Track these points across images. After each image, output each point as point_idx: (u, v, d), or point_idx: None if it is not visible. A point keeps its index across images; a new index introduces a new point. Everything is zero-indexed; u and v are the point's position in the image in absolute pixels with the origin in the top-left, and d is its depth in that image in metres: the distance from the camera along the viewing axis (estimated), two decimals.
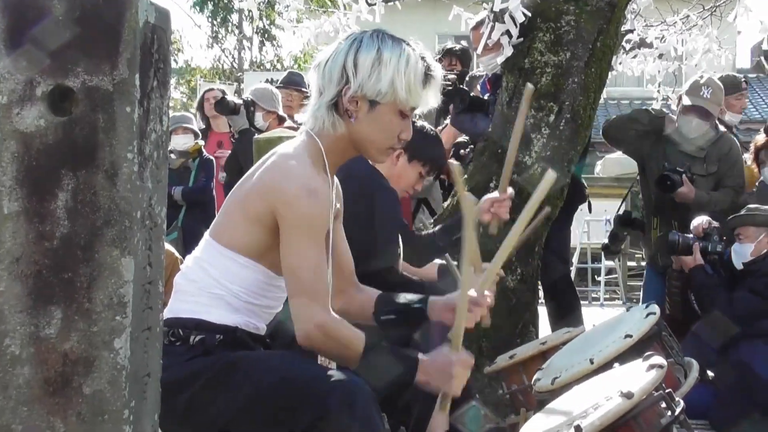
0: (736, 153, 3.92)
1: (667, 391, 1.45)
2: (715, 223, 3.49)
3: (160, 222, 1.22)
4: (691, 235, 3.42)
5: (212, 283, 1.58)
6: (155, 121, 1.20)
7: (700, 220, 3.51)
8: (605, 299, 8.38)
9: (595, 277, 8.81)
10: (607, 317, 3.06)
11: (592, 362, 2.02)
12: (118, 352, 1.13)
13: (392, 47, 1.58)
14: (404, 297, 1.87)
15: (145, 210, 1.18)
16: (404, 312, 1.83)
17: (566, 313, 3.68)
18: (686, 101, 3.78)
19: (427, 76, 1.62)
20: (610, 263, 8.40)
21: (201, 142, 5.04)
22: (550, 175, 1.83)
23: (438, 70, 1.67)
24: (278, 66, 16.42)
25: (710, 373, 3.41)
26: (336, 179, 1.76)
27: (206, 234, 1.68)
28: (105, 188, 1.14)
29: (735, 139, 4.08)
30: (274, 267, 1.60)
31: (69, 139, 1.14)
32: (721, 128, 3.96)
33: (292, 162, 1.60)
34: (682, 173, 3.60)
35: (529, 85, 2.24)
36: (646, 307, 2.40)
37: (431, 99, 1.67)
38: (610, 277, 8.77)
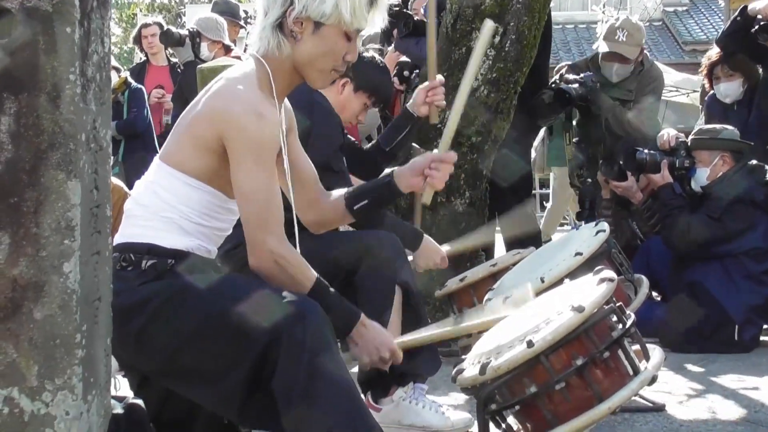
0: (658, 87, 3.93)
1: (618, 304, 1.42)
2: (681, 136, 3.41)
3: (105, 145, 1.15)
4: (657, 152, 3.35)
5: (163, 206, 1.51)
6: (96, 42, 1.12)
7: (666, 133, 3.44)
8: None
9: (544, 203, 8.67)
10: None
11: (542, 281, 1.98)
12: (68, 276, 1.07)
13: None
14: (370, 182, 1.88)
15: (90, 132, 1.11)
16: (374, 192, 1.79)
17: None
18: (603, 48, 3.73)
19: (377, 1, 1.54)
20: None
21: (125, 74, 4.84)
22: (489, 24, 1.86)
23: None
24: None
25: (655, 294, 3.41)
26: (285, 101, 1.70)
27: (156, 158, 1.61)
28: (48, 111, 1.06)
29: (660, 71, 4.08)
30: (225, 190, 1.54)
31: (9, 62, 1.05)
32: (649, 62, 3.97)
33: (239, 86, 1.53)
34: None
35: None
36: (596, 225, 2.33)
37: (377, 21, 1.60)
38: None
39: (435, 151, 1.78)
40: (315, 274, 1.52)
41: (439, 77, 2.22)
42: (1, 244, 1.06)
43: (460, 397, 2.37)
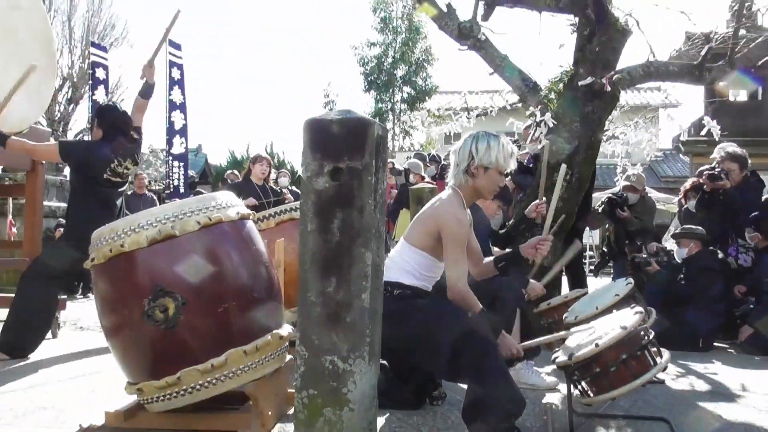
0: (652, 206, 6.70)
1: (644, 325, 2.36)
2: (661, 246, 5.91)
3: (383, 232, 2.14)
4: (645, 255, 5.58)
5: (405, 263, 2.60)
6: (380, 183, 2.10)
7: (652, 246, 5.82)
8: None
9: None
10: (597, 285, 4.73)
11: (597, 308, 3.12)
12: (363, 300, 2.02)
13: (494, 139, 2.59)
14: (507, 252, 3.14)
15: (376, 228, 2.08)
16: (510, 257, 3.03)
17: (578, 281, 5.43)
18: (623, 183, 6.40)
19: (512, 154, 2.62)
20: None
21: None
22: (563, 168, 3.51)
23: (516, 149, 2.73)
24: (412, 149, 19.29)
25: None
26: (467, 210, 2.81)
27: (402, 238, 2.71)
28: (356, 218, 2.03)
29: (652, 198, 7.07)
30: (438, 257, 2.59)
31: (339, 193, 2.03)
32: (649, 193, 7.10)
33: (448, 204, 2.67)
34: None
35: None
36: (626, 279, 3.65)
37: (512, 165, 2.68)
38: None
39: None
40: (479, 307, 2.58)
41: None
42: (333, 283, 2.04)
43: (549, 369, 3.52)
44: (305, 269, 2.06)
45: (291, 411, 2.82)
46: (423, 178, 7.45)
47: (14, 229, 8.14)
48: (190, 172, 16.49)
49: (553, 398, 3.14)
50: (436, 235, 2.62)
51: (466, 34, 5.10)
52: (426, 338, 2.49)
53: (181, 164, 15.46)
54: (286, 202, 6.38)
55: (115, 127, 4.29)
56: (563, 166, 3.08)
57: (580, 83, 4.65)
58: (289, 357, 2.83)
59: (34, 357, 4.06)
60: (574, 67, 4.88)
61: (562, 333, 2.93)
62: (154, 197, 10.67)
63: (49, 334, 4.72)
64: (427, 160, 8.93)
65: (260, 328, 2.60)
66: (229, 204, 2.66)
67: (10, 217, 7.95)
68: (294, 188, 8.39)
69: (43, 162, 4.91)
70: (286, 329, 2.75)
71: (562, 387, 3.19)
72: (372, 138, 2.04)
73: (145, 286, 2.44)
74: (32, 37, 4.60)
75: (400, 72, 19.67)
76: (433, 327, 2.48)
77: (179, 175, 15.37)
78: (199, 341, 2.46)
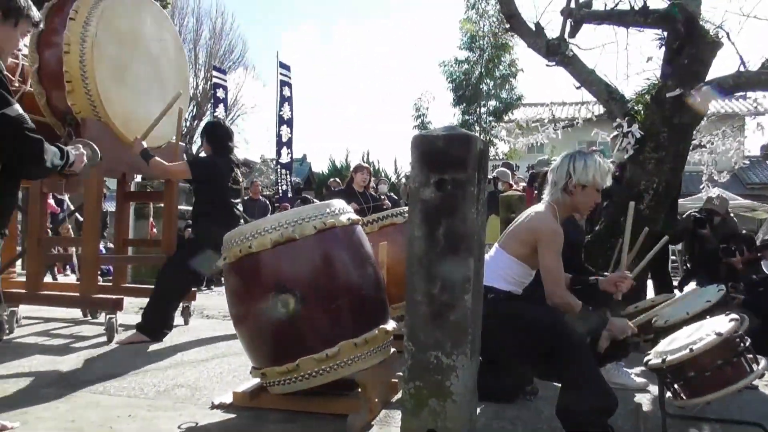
0: (733, 227, 6.39)
1: (740, 332, 2.22)
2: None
3: (483, 240, 2.13)
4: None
5: (499, 269, 2.57)
6: (482, 194, 2.09)
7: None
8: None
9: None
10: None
11: (688, 313, 2.94)
12: (466, 301, 2.03)
13: (590, 158, 2.56)
14: (586, 280, 2.93)
15: (478, 233, 2.07)
16: (588, 287, 2.88)
17: (664, 286, 5.15)
18: (707, 205, 6.20)
19: (608, 171, 2.61)
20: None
21: None
22: (631, 204, 2.92)
23: (611, 166, 2.65)
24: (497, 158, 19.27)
25: None
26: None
27: (496, 244, 2.66)
28: (460, 226, 2.04)
29: (734, 220, 6.80)
30: (531, 265, 2.56)
31: (444, 203, 2.05)
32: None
33: (543, 216, 2.63)
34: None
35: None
36: (717, 286, 3.35)
37: (609, 182, 2.64)
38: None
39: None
40: (580, 305, 2.51)
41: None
42: (438, 285, 2.05)
43: (638, 370, 3.34)
44: (412, 272, 2.09)
45: (395, 398, 2.87)
46: (511, 185, 7.30)
47: (154, 230, 8.69)
48: (296, 180, 17.05)
49: (643, 399, 3.01)
50: (532, 245, 2.58)
51: (554, 51, 4.97)
52: (521, 337, 2.46)
53: (288, 172, 16.03)
54: (385, 207, 6.47)
55: (223, 142, 4.53)
56: (631, 204, 2.90)
57: (668, 95, 4.44)
58: (392, 350, 2.87)
59: (169, 341, 4.31)
60: (662, 80, 4.65)
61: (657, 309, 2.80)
62: (267, 202, 11.07)
63: (181, 321, 5.02)
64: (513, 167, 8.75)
65: (368, 322, 2.65)
66: (342, 211, 2.74)
67: (151, 219, 8.49)
68: (392, 194, 8.47)
69: None
70: (391, 324, 2.79)
71: (652, 388, 3.05)
72: (475, 152, 2.04)
73: (269, 283, 2.55)
74: (170, 64, 4.91)
75: (485, 86, 19.44)
76: (528, 327, 2.44)
77: (286, 182, 15.94)
78: (315, 333, 2.55)
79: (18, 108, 2.06)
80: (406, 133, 54.65)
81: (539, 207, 2.72)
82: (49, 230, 5.69)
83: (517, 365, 2.75)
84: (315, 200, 11.74)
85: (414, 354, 2.08)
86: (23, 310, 4.90)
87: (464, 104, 19.73)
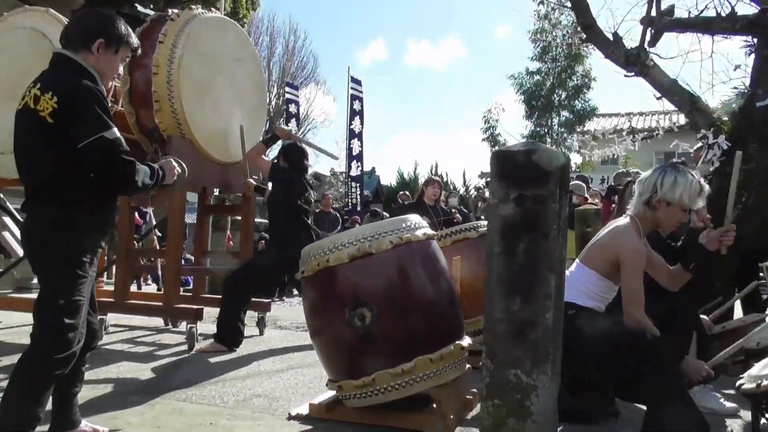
0: None
1: None
2: None
3: (564, 260, 2.08)
4: None
5: (580, 285, 2.50)
6: (563, 209, 2.05)
7: None
8: None
9: None
10: None
11: None
12: (546, 318, 1.98)
13: (682, 176, 2.44)
14: (692, 252, 2.79)
15: (559, 254, 2.03)
16: (697, 254, 2.72)
17: (753, 305, 4.68)
18: None
19: (701, 192, 2.44)
20: None
21: None
22: (738, 154, 2.74)
23: (706, 188, 2.50)
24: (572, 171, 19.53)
25: None
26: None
27: (577, 259, 2.60)
28: (541, 243, 2.01)
29: None
30: (614, 281, 2.48)
31: (524, 217, 2.02)
32: None
33: (625, 233, 2.54)
34: None
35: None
36: None
37: (700, 203, 2.49)
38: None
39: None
40: (656, 330, 2.40)
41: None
42: (517, 302, 2.03)
43: (728, 394, 3.17)
44: (491, 288, 2.07)
45: (470, 415, 2.84)
46: (586, 199, 7.07)
47: (231, 242, 9.00)
48: (365, 192, 17.25)
49: (734, 425, 2.84)
50: (614, 262, 2.51)
51: (633, 61, 4.83)
52: (603, 356, 2.38)
53: (358, 185, 16.26)
54: (455, 221, 6.44)
55: (297, 162, 4.68)
56: (738, 153, 2.72)
57: (758, 105, 4.22)
58: (467, 366, 2.84)
59: (245, 350, 4.44)
60: (751, 89, 4.42)
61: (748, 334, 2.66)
62: (337, 215, 11.24)
63: (256, 332, 5.16)
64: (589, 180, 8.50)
65: (444, 338, 2.65)
66: (418, 225, 2.75)
67: (228, 231, 8.81)
68: (462, 208, 8.42)
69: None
70: (466, 340, 2.77)
71: (744, 414, 2.88)
72: (556, 167, 2.01)
73: (346, 297, 2.60)
74: (250, 83, 5.10)
75: (558, 97, 19.06)
76: (611, 345, 2.36)
77: (356, 195, 16.17)
78: (391, 347, 2.56)
79: (115, 131, 2.19)
80: (474, 145, 54.27)
81: (621, 222, 2.64)
82: (135, 242, 5.99)
83: (599, 385, 2.66)
84: (385, 213, 11.83)
85: (493, 372, 2.05)
86: (110, 317, 5.18)
87: (535, 116, 19.42)
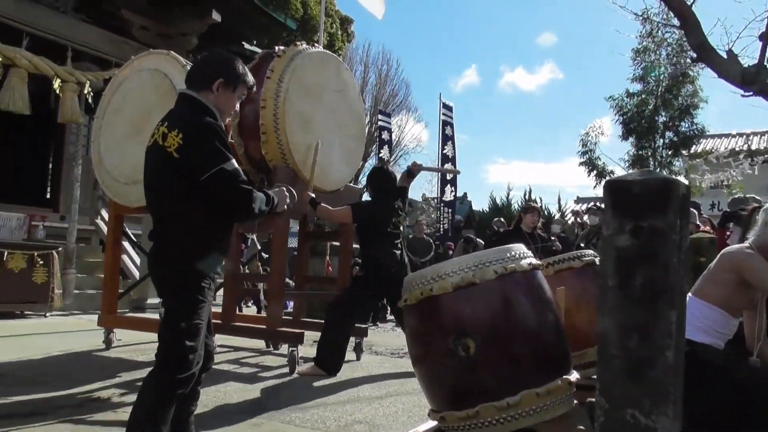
0: None
1: None
2: None
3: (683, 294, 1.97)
4: None
5: (696, 318, 2.37)
6: (684, 241, 1.95)
7: None
8: None
9: None
10: None
11: None
12: (667, 357, 1.88)
13: None
14: None
15: (680, 286, 1.93)
16: None
17: None
18: None
19: None
20: None
21: None
22: None
23: None
24: None
25: None
26: None
27: (690, 293, 2.48)
28: (660, 276, 1.91)
29: None
30: (733, 313, 2.31)
31: (641, 250, 1.94)
32: None
33: (740, 249, 2.38)
34: None
35: None
36: None
37: None
38: None
39: None
40: None
41: None
42: (634, 338, 1.94)
43: None
44: (605, 323, 1.99)
45: None
46: (698, 226, 6.69)
47: (330, 268, 9.21)
48: (457, 218, 17.19)
49: None
50: (734, 283, 2.33)
51: (752, 80, 4.55)
52: (725, 399, 2.21)
53: (450, 210, 16.22)
54: (554, 248, 6.28)
55: (383, 189, 4.73)
56: None
57: None
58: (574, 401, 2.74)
59: (344, 376, 4.51)
60: None
61: None
62: (430, 241, 11.26)
63: (354, 356, 5.24)
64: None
65: (551, 372, 2.57)
66: (523, 255, 2.71)
67: (327, 257, 9.05)
68: (563, 235, 8.17)
69: None
70: (574, 375, 2.68)
71: None
72: (676, 197, 1.92)
73: (449, 326, 2.58)
74: (350, 112, 5.26)
75: (662, 118, 18.19)
76: (735, 387, 2.19)
77: (448, 220, 16.12)
78: (495, 380, 2.52)
79: (234, 163, 2.34)
80: (569, 169, 52.80)
81: (738, 246, 2.47)
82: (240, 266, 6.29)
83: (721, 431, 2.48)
84: (479, 240, 11.71)
85: (608, 411, 1.96)
86: (217, 338, 5.43)
87: (636, 138, 18.64)
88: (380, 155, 17.47)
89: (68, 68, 7.49)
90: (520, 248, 2.76)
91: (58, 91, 7.36)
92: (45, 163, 11.35)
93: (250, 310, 10.15)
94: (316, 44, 5.92)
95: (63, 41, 7.68)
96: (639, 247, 1.96)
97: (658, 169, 16.63)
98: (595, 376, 2.78)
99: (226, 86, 2.48)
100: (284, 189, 2.62)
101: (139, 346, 5.35)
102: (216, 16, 8.55)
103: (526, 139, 51.66)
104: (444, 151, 15.97)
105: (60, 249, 7.56)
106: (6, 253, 6.86)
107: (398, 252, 4.69)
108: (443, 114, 16.13)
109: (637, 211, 1.96)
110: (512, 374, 2.51)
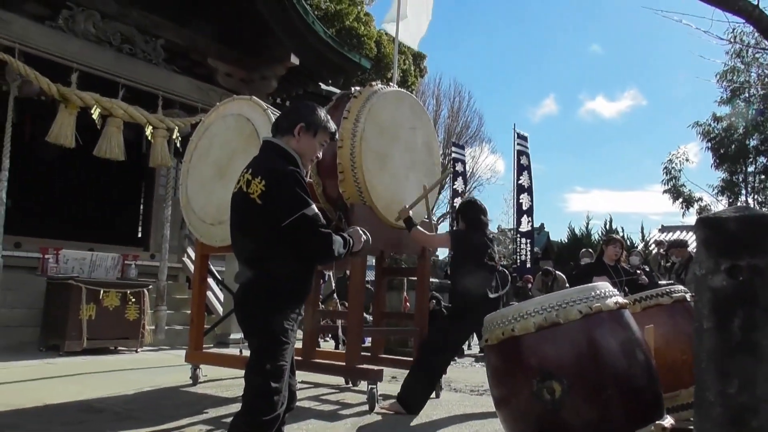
0: None
1: None
2: None
3: None
4: None
5: None
6: None
7: None
8: None
9: None
10: None
11: None
12: None
13: None
14: None
15: None
16: None
17: None
18: None
19: None
20: None
21: None
22: None
23: None
24: None
25: None
26: None
27: None
28: (760, 317, 1.80)
29: None
30: None
31: (739, 290, 1.84)
32: None
33: None
34: None
35: None
36: None
37: None
38: None
39: None
40: None
41: None
42: (735, 384, 1.83)
43: None
44: (701, 367, 1.90)
45: None
46: None
47: (408, 303, 9.21)
48: (535, 249, 16.80)
49: None
50: None
51: None
52: None
53: (528, 241, 15.89)
54: (639, 282, 6.01)
55: (475, 221, 4.70)
56: None
57: None
58: None
59: (425, 415, 4.45)
60: None
61: None
62: (507, 272, 11.04)
63: (433, 394, 5.17)
64: None
65: (642, 416, 2.45)
66: (608, 294, 2.62)
67: (404, 293, 9.07)
68: (646, 267, 7.82)
69: (431, 249, 5.57)
70: (667, 420, 2.54)
71: None
72: None
73: (533, 368, 2.52)
74: (425, 148, 5.32)
75: (754, 141, 17.22)
76: None
77: (526, 251, 15.79)
78: (582, 425, 2.42)
79: (314, 208, 2.42)
80: (651, 198, 50.66)
81: None
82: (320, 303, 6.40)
83: None
84: (558, 273, 11.38)
85: None
86: (298, 375, 5.52)
87: (726, 164, 17.71)
88: (454, 187, 17.43)
89: (159, 115, 8.00)
90: (605, 287, 2.67)
91: (150, 138, 7.85)
92: (137, 205, 12.05)
93: (328, 344, 10.26)
94: (390, 83, 6.05)
95: (155, 90, 8.22)
96: (737, 287, 1.86)
97: (751, 195, 15.68)
98: (691, 418, 2.63)
99: (307, 130, 2.58)
100: (359, 230, 2.68)
101: (223, 381, 5.52)
102: (294, 59, 8.91)
103: (606, 167, 50.26)
104: (519, 182, 15.76)
105: (150, 287, 7.96)
106: (102, 292, 7.29)
107: (492, 283, 4.65)
108: (518, 144, 15.98)
109: (734, 249, 1.87)
110: (601, 419, 2.41)
